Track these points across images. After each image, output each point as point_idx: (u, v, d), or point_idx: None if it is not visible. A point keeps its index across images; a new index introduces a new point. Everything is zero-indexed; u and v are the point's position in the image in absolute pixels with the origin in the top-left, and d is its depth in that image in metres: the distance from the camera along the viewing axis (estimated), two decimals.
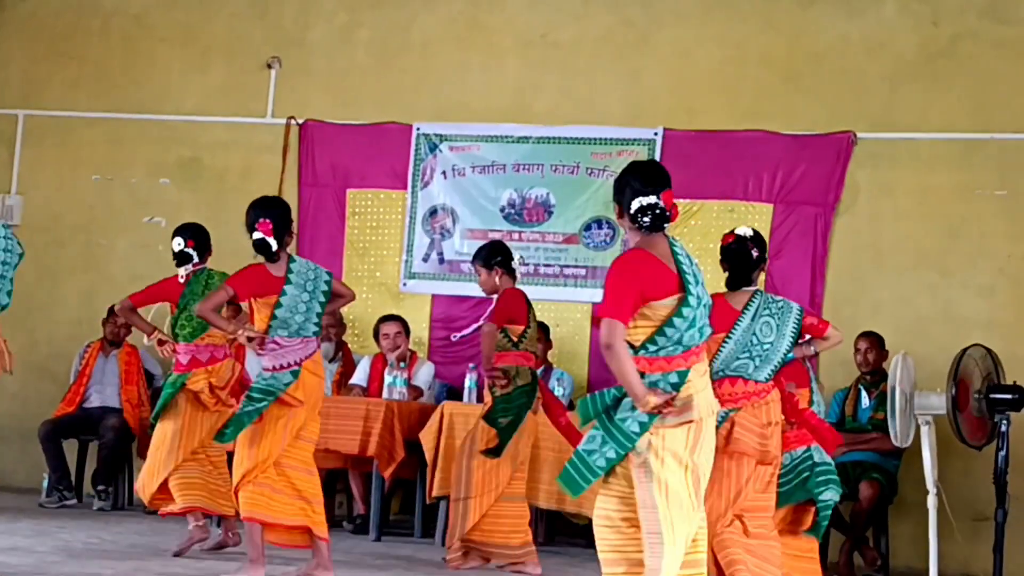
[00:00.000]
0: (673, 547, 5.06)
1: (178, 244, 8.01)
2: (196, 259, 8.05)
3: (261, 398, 6.95)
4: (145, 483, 7.97)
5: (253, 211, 7.12)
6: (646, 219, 5.15)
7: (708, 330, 5.25)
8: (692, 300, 5.11)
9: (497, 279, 8.12)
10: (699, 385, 5.14)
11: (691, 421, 5.08)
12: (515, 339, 7.98)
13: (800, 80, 10.12)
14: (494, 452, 7.95)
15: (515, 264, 8.16)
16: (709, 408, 5.20)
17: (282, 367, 6.98)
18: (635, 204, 5.17)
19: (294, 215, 10.66)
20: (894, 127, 9.87)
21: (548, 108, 10.60)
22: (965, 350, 8.22)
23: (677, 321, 5.08)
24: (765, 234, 9.74)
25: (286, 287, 7.03)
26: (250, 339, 6.98)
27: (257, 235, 7.03)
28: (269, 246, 7.02)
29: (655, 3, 10.49)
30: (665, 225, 5.17)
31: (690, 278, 5.13)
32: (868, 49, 10.03)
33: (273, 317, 6.98)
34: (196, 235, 8.11)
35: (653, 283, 5.09)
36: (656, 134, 10.19)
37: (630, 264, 5.13)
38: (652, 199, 5.16)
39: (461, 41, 10.84)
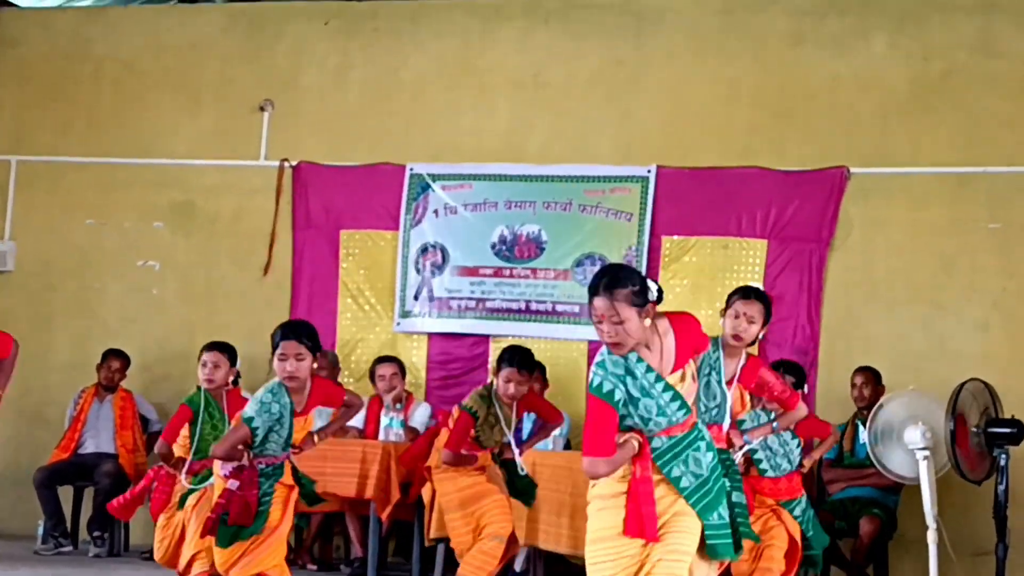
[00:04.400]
0: None
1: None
2: None
3: None
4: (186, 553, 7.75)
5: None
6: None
7: None
8: None
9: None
10: None
11: None
12: None
13: (792, 117, 10.15)
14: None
15: None
16: None
17: None
18: (653, 284, 5.03)
19: (288, 258, 10.83)
20: (886, 162, 9.89)
21: (540, 148, 10.62)
22: (963, 384, 8.22)
23: None
24: (760, 270, 9.84)
25: None
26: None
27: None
28: None
29: (646, 42, 10.52)
30: None
31: None
32: (859, 85, 10.06)
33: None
34: None
35: None
36: (649, 171, 10.21)
37: None
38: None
39: (452, 82, 10.86)
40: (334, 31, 11.12)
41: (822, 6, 10.24)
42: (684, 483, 5.08)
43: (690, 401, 5.12)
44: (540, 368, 9.62)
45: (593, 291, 4.97)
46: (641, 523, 5.04)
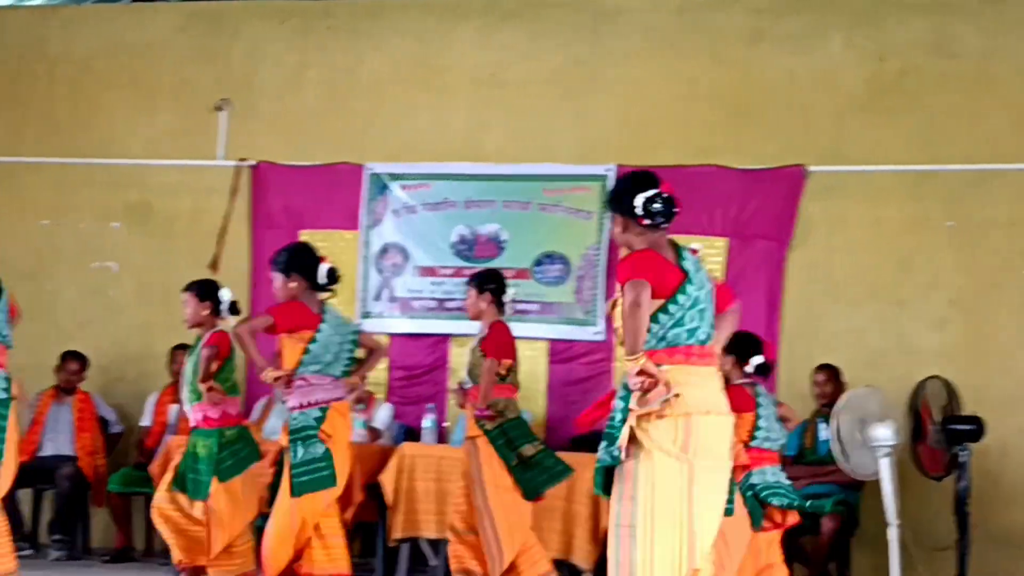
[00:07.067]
0: (647, 547, 4.90)
1: (229, 294, 8.06)
2: None
3: (309, 438, 6.97)
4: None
5: (309, 252, 7.40)
6: (657, 205, 5.12)
7: (703, 335, 5.14)
8: (682, 299, 5.10)
9: (484, 305, 7.99)
10: (685, 381, 5.03)
11: (653, 412, 4.97)
12: (503, 373, 7.91)
13: (749, 115, 10.18)
14: (528, 495, 7.93)
15: (507, 298, 8.10)
16: (701, 405, 5.04)
17: (310, 404, 7.00)
18: (640, 199, 5.14)
19: (246, 258, 10.78)
20: (843, 160, 9.93)
21: (499, 146, 10.61)
22: (922, 382, 8.30)
23: (662, 317, 5.08)
24: (721, 269, 9.87)
25: (322, 324, 7.18)
26: (276, 379, 6.98)
27: (327, 266, 7.29)
28: (338, 276, 7.31)
29: (603, 41, 10.54)
30: (675, 213, 5.16)
31: (692, 278, 5.14)
32: (816, 84, 10.11)
33: (306, 352, 7.07)
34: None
35: (661, 280, 5.08)
36: (609, 170, 10.22)
37: (642, 259, 5.11)
38: (655, 190, 5.16)
39: (410, 81, 10.84)
40: (291, 30, 11.07)
41: (779, 5, 10.29)
42: None
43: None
44: None
45: None
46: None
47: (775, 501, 7.18)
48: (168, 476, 7.98)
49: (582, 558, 8.64)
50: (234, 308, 8.08)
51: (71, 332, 10.96)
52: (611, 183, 10.13)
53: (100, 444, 10.30)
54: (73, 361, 10.36)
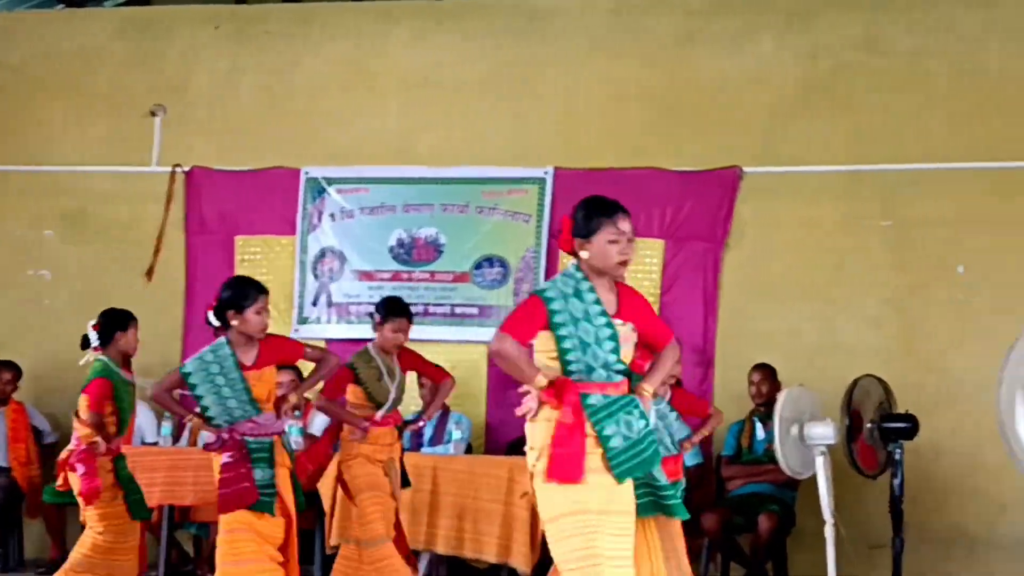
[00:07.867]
0: None
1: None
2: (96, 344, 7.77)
3: None
4: None
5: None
6: None
7: None
8: None
9: None
10: None
11: None
12: None
13: (683, 117, 10.20)
14: None
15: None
16: None
17: None
18: None
19: (182, 264, 10.70)
20: (777, 161, 9.96)
21: (434, 149, 10.58)
22: (857, 380, 8.31)
23: None
24: (657, 270, 9.88)
25: None
26: None
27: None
28: (221, 314, 7.03)
29: (537, 43, 10.54)
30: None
31: None
32: (748, 84, 10.14)
33: None
34: (104, 318, 7.82)
35: None
36: (546, 173, 10.22)
37: None
38: None
39: (346, 85, 10.81)
40: (224, 35, 11.03)
41: (710, 6, 10.32)
42: (614, 443, 5.20)
43: (625, 355, 5.34)
44: None
45: (619, 209, 5.42)
46: (564, 465, 5.15)
47: None
48: None
49: (521, 561, 8.63)
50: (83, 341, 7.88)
51: (6, 341, 10.86)
52: (549, 186, 10.16)
53: (34, 454, 10.21)
54: (5, 371, 10.26)
